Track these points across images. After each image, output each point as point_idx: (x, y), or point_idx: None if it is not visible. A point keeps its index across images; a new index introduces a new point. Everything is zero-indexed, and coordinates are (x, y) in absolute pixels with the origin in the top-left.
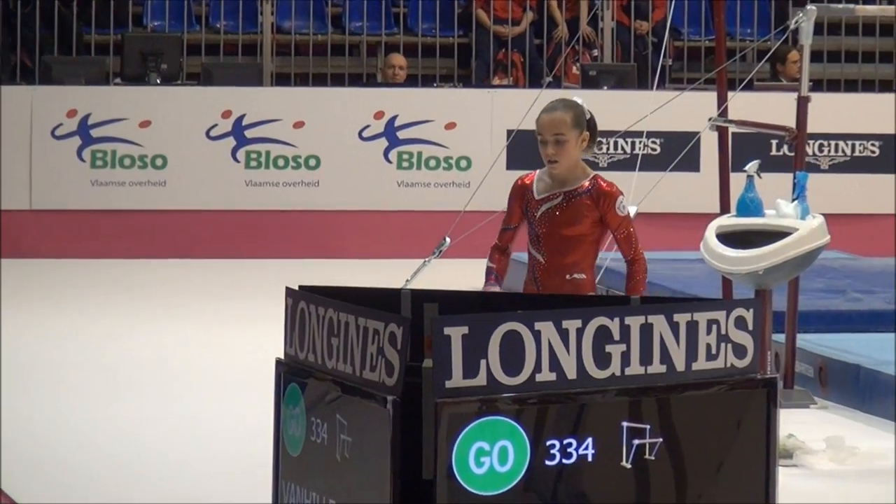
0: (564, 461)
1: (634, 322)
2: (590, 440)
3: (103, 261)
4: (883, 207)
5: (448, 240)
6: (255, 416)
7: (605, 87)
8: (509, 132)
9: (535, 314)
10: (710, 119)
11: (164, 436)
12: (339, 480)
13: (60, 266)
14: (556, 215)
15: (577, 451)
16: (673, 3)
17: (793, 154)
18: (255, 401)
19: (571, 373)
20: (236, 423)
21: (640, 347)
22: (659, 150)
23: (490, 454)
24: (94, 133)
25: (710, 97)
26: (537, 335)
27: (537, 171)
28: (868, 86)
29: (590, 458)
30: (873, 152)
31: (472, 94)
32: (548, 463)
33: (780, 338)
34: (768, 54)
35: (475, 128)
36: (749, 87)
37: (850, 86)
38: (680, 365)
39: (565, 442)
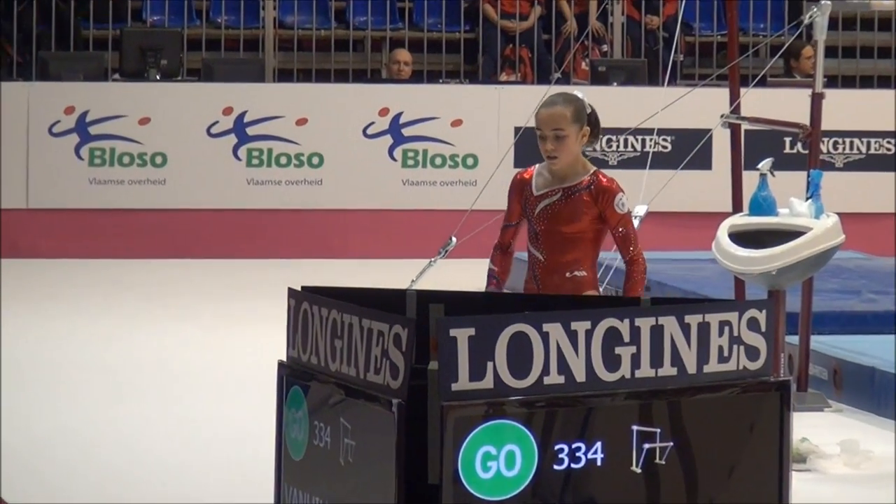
0: (573, 466)
1: (645, 323)
2: (599, 444)
3: (102, 261)
4: None
5: (454, 239)
6: (257, 419)
7: (615, 84)
8: (517, 129)
9: (543, 315)
10: (722, 116)
11: (163, 439)
12: (343, 485)
13: (58, 266)
14: (555, 212)
15: (585, 456)
16: None
17: (807, 152)
18: (257, 404)
19: (580, 375)
20: (238, 426)
21: (650, 349)
22: (670, 147)
23: (497, 458)
24: (93, 130)
25: (723, 93)
26: (545, 337)
27: (536, 165)
28: (884, 82)
29: (599, 463)
30: (889, 150)
31: (479, 90)
32: (556, 467)
33: (794, 339)
34: (782, 50)
35: (482, 125)
36: (762, 83)
37: (866, 82)
38: (691, 367)
39: (574, 446)
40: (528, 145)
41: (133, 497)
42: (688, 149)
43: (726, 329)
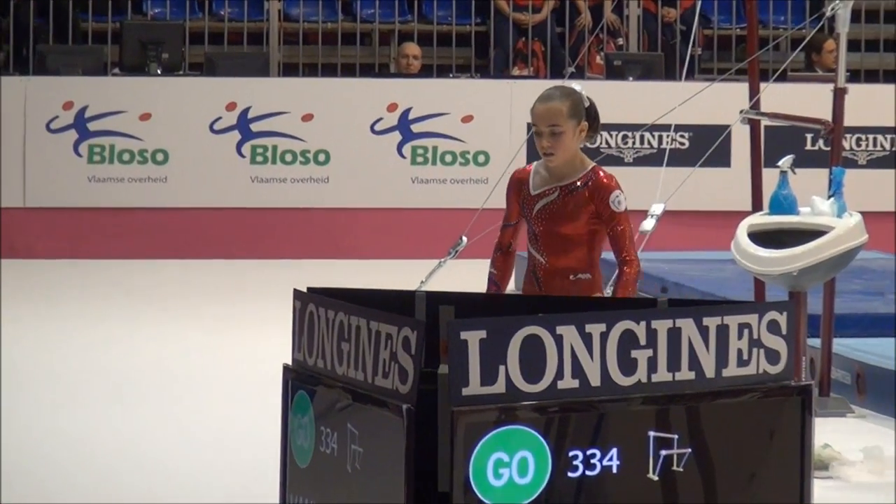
0: (588, 473)
1: (662, 326)
2: (614, 451)
3: (101, 261)
4: None
5: (465, 239)
6: (262, 425)
7: (631, 78)
8: (529, 126)
9: (556, 317)
10: (741, 112)
11: (164, 445)
12: (350, 493)
13: (56, 267)
14: (554, 212)
15: (601, 463)
16: None
17: (829, 148)
18: (262, 409)
19: (595, 380)
20: (241, 432)
21: (667, 353)
22: (687, 144)
23: (509, 465)
24: (92, 126)
25: (742, 88)
26: (559, 340)
27: (534, 163)
28: None
29: (614, 470)
30: None
31: (491, 85)
32: (570, 475)
33: (816, 342)
34: (803, 43)
35: (493, 121)
36: (783, 77)
37: (889, 76)
38: (710, 371)
39: (588, 453)
40: None
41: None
42: (706, 146)
43: (746, 332)
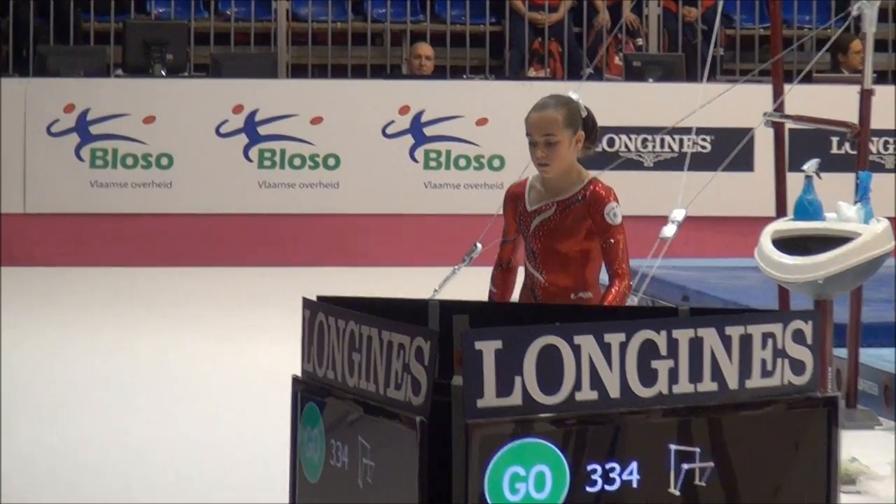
0: (607, 487)
1: (683, 336)
2: (634, 465)
3: (103, 269)
4: None
5: (479, 246)
6: (270, 438)
7: (651, 80)
8: None
9: (574, 327)
10: (765, 114)
11: (168, 459)
12: None
13: (57, 275)
14: (551, 229)
15: (620, 477)
16: None
17: (855, 152)
18: (270, 422)
19: (614, 391)
20: (249, 446)
21: (689, 363)
22: (709, 147)
23: (526, 480)
24: (94, 130)
25: (766, 90)
26: (577, 350)
27: (529, 177)
28: None
29: (634, 485)
30: None
31: (506, 87)
32: (588, 489)
33: (842, 353)
34: (828, 43)
35: (509, 124)
36: (807, 78)
37: None
38: (732, 382)
39: (607, 466)
40: None
41: None
42: (728, 149)
43: (770, 341)
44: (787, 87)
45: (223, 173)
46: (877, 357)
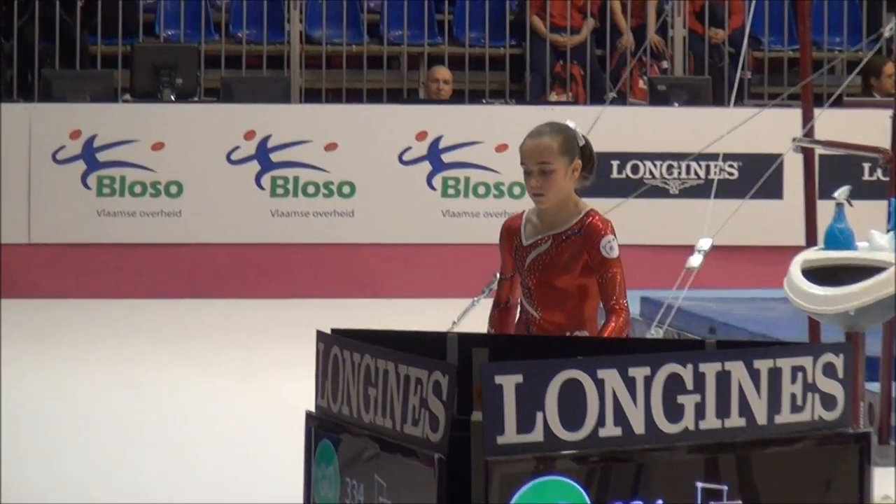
0: None
1: (710, 369)
2: (660, 503)
3: (110, 301)
4: None
5: (499, 276)
6: (283, 476)
7: (676, 104)
8: None
9: (597, 360)
10: (794, 139)
11: (177, 498)
12: None
13: (62, 306)
14: (546, 264)
15: None
16: (752, 8)
17: (887, 179)
18: (282, 459)
19: (639, 427)
20: (261, 484)
21: (716, 398)
22: (737, 174)
23: None
24: (101, 157)
25: (795, 114)
26: (600, 384)
27: (525, 210)
28: None
29: None
30: None
31: (527, 111)
32: None
33: (874, 387)
34: (860, 66)
35: None
36: (838, 103)
37: None
38: (761, 418)
39: None
40: None
41: None
42: (756, 176)
43: (800, 375)
44: (817, 111)
45: (234, 202)
46: None
